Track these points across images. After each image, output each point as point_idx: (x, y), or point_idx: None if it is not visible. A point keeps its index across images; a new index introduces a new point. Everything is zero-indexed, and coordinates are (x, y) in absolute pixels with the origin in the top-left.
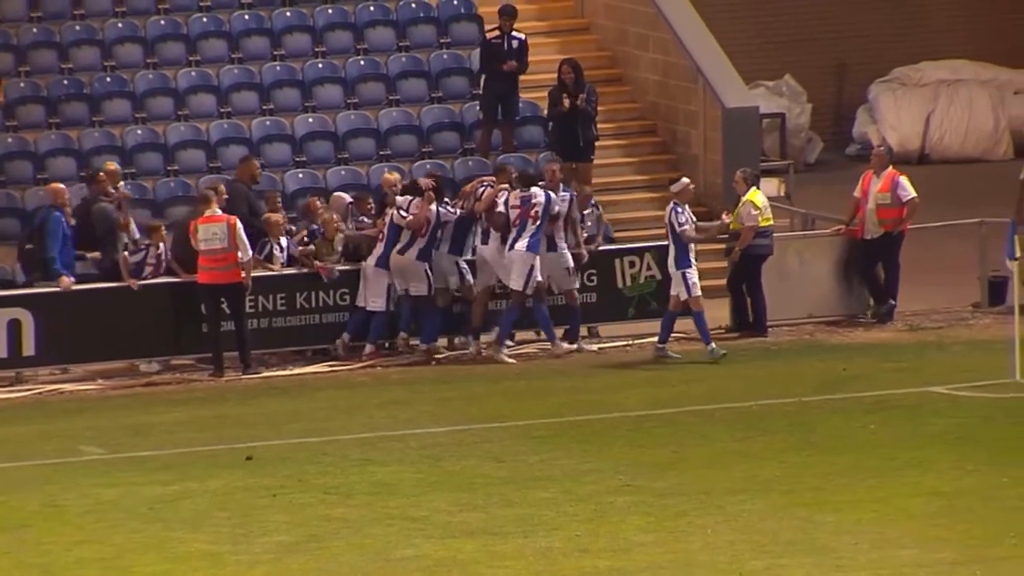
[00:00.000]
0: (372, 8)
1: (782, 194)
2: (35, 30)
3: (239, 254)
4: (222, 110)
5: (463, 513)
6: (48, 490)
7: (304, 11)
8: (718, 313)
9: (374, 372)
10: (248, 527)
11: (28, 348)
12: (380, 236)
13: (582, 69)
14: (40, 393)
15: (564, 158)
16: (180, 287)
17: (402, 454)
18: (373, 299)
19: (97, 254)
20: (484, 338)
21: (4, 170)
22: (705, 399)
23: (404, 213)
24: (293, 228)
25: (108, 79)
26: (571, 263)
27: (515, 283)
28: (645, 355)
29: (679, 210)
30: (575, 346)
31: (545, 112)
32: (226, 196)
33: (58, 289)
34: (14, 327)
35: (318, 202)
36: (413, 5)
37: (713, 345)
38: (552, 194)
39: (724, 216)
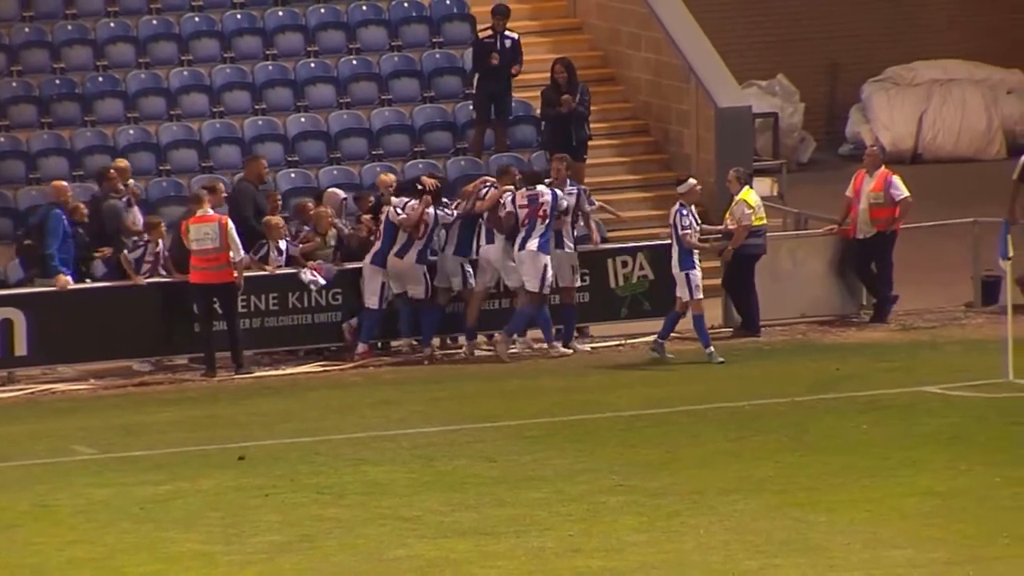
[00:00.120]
0: (364, 7)
1: (775, 194)
2: (27, 30)
3: (231, 254)
4: (214, 110)
5: (456, 513)
6: (39, 490)
7: (296, 10)
8: (709, 312)
9: (366, 372)
10: (240, 527)
11: (20, 348)
12: (376, 235)
13: (575, 69)
14: (32, 393)
15: None
16: (173, 287)
17: (394, 454)
18: (369, 296)
19: (108, 251)
20: (481, 338)
21: None
22: (698, 399)
23: (400, 211)
24: (294, 230)
25: (100, 79)
26: (577, 261)
27: (531, 284)
28: (638, 355)
29: (684, 212)
30: (569, 350)
31: (538, 112)
32: (224, 195)
33: (50, 289)
34: (6, 327)
35: (309, 204)
36: (405, 4)
37: (712, 349)
38: (558, 191)
39: (728, 225)
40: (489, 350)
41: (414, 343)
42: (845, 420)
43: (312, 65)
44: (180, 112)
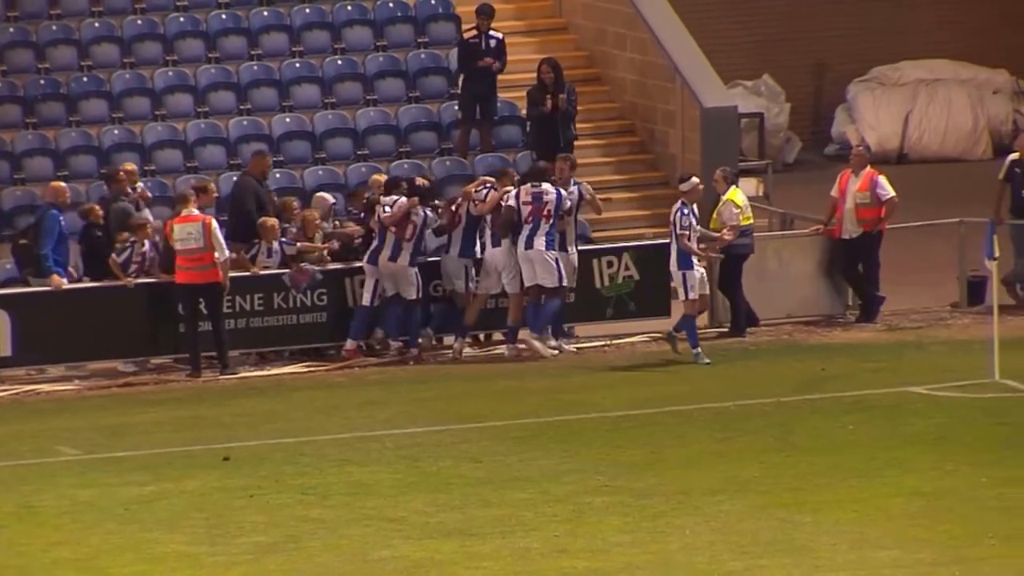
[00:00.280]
0: (349, 8)
1: (760, 194)
2: (11, 30)
3: (216, 254)
4: (199, 110)
5: (441, 514)
6: (24, 491)
7: (281, 11)
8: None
9: (351, 372)
10: (225, 528)
11: (4, 349)
12: (373, 234)
13: (562, 69)
14: (17, 394)
15: (543, 158)
16: (157, 287)
17: (380, 454)
18: (364, 294)
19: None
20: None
21: None
22: (684, 399)
23: (388, 210)
24: (292, 229)
25: (85, 79)
26: (576, 263)
27: (548, 282)
28: (624, 355)
29: (685, 211)
30: (556, 350)
31: (523, 112)
32: (216, 195)
33: (34, 289)
34: None
35: (295, 202)
36: (390, 4)
37: (699, 350)
38: (563, 191)
39: (725, 234)
40: (488, 350)
41: (400, 342)
42: (831, 420)
43: (297, 65)
44: (165, 112)
